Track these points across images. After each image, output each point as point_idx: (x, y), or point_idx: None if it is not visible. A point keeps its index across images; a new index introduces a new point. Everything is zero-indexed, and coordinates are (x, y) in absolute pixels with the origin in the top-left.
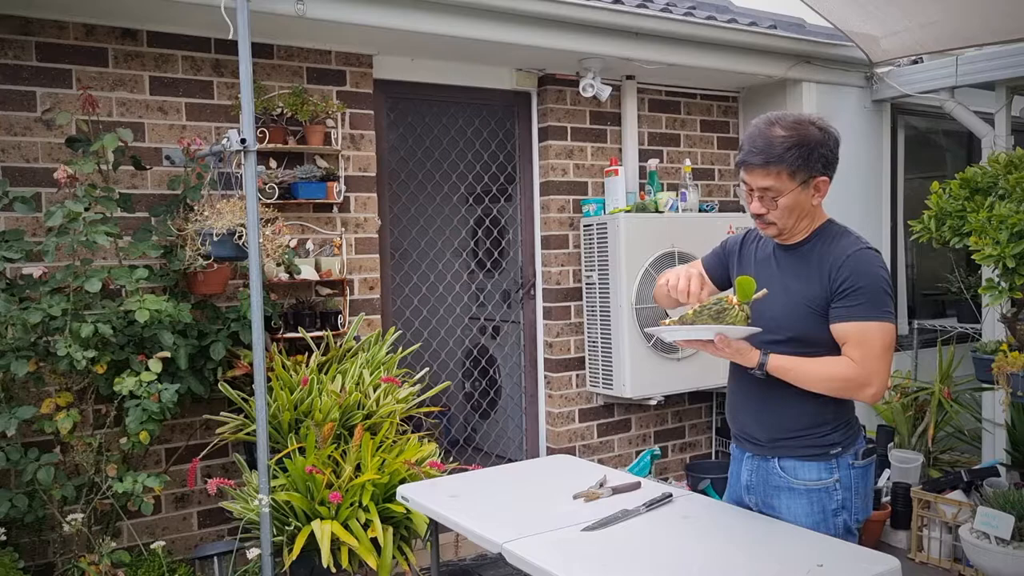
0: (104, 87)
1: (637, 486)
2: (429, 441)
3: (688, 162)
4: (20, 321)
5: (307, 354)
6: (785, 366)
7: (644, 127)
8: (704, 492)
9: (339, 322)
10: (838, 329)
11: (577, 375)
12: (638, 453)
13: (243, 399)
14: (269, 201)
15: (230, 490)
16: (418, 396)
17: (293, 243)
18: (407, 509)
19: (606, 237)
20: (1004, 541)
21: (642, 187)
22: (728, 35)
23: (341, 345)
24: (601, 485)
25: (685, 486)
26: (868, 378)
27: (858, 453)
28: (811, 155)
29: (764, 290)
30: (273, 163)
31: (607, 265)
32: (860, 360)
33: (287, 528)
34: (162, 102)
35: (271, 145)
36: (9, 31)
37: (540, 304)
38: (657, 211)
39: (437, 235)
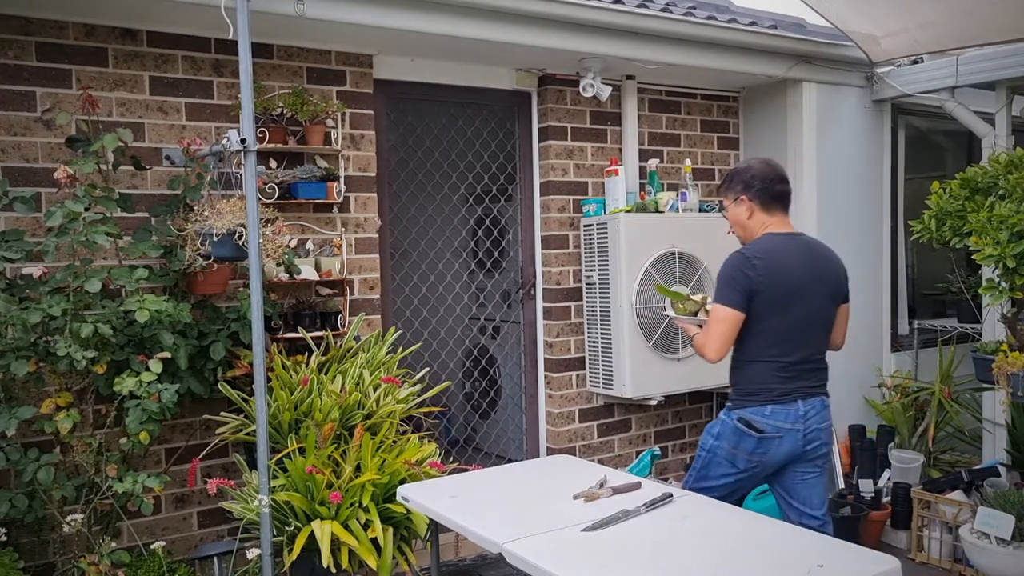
0: (104, 87)
1: (637, 486)
2: (429, 441)
3: (688, 162)
4: (20, 321)
5: (307, 354)
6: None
7: (644, 127)
8: None
9: (339, 322)
10: None
11: (577, 375)
12: (638, 453)
13: (243, 399)
14: (269, 201)
15: (230, 490)
16: (418, 396)
17: (293, 243)
18: (407, 509)
19: (606, 237)
20: (1004, 541)
21: (642, 187)
22: (728, 35)
23: (341, 345)
24: (601, 485)
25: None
26: (704, 343)
27: (740, 417)
28: (733, 179)
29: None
30: (273, 163)
31: (607, 265)
32: (705, 330)
33: (287, 528)
34: (162, 102)
35: (271, 145)
36: (9, 31)
37: (540, 304)
38: (657, 211)
39: (437, 235)
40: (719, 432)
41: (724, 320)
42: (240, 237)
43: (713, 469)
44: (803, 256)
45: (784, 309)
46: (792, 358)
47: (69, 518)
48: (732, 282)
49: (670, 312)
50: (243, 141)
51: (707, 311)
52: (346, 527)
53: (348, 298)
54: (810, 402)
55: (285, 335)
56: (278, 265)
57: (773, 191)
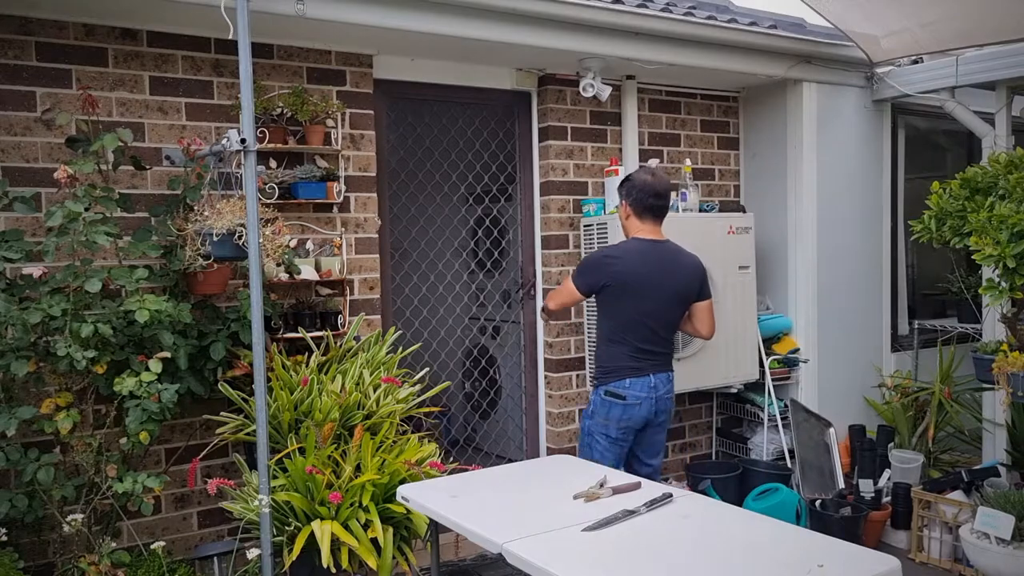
0: (104, 87)
1: (637, 486)
2: (429, 441)
3: (688, 162)
4: (20, 321)
5: (307, 354)
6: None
7: (644, 127)
8: (704, 492)
9: (339, 322)
10: None
11: (577, 375)
12: None
13: (243, 399)
14: (269, 201)
15: (230, 490)
16: (418, 396)
17: (293, 243)
18: (407, 509)
19: (606, 237)
20: (1004, 541)
21: None
22: (728, 35)
23: (341, 345)
24: (601, 485)
25: (685, 486)
26: (551, 297)
27: (607, 390)
28: (623, 184)
29: None
30: (273, 163)
31: None
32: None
33: (287, 528)
34: (162, 102)
35: (271, 145)
36: (9, 31)
37: (540, 304)
38: None
39: (437, 235)
40: (592, 411)
41: (569, 294)
42: (240, 237)
43: (596, 447)
44: (658, 261)
45: (634, 302)
46: (642, 343)
47: (69, 518)
48: (586, 271)
49: None
50: (243, 141)
51: None
52: (346, 527)
53: (348, 298)
54: (658, 376)
55: (285, 335)
56: (278, 265)
57: (646, 203)
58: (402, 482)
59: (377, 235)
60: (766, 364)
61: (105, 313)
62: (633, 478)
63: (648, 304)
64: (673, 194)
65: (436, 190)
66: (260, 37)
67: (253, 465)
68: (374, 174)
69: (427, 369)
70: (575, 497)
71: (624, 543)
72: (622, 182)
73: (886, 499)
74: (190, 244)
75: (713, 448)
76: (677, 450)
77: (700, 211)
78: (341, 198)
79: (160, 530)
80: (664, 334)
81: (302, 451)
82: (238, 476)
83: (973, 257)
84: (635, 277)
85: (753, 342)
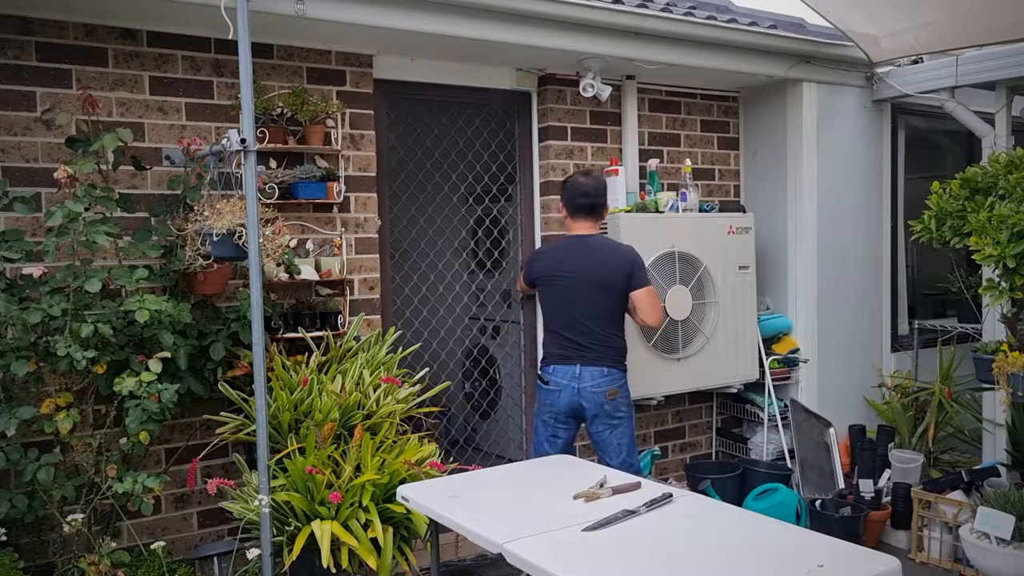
0: (104, 87)
1: (637, 486)
2: (429, 441)
3: (688, 162)
4: (20, 321)
5: (307, 354)
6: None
7: (644, 127)
8: (704, 492)
9: (339, 322)
10: None
11: None
12: (638, 453)
13: (243, 399)
14: (269, 201)
15: (230, 490)
16: (418, 396)
17: (293, 243)
18: (407, 509)
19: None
20: (1004, 541)
21: (642, 187)
22: (728, 35)
23: (341, 345)
24: (601, 485)
25: (685, 486)
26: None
27: (537, 374)
28: (562, 186)
29: None
30: (273, 163)
31: None
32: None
33: (287, 528)
34: (162, 102)
35: (271, 145)
36: (9, 31)
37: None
38: (657, 211)
39: (437, 235)
40: (536, 396)
41: (520, 283)
42: (240, 237)
43: (536, 432)
44: (576, 254)
45: (557, 294)
46: (567, 332)
47: (69, 518)
48: (525, 267)
49: None
50: (243, 141)
51: None
52: (346, 527)
53: (348, 298)
54: (588, 368)
55: (285, 335)
56: (278, 265)
57: (576, 203)
58: (402, 482)
59: (377, 235)
60: (766, 364)
61: (105, 313)
62: (633, 478)
63: (567, 294)
64: (673, 194)
65: (436, 190)
66: (260, 37)
67: (253, 465)
68: (374, 174)
69: (427, 369)
70: (575, 497)
71: (624, 543)
72: (562, 184)
73: (886, 499)
74: (190, 244)
75: (713, 448)
76: (677, 450)
77: (700, 211)
78: (341, 198)
79: (160, 530)
80: (591, 324)
81: (302, 451)
82: (238, 476)
83: (973, 257)
84: (554, 271)
85: (753, 342)
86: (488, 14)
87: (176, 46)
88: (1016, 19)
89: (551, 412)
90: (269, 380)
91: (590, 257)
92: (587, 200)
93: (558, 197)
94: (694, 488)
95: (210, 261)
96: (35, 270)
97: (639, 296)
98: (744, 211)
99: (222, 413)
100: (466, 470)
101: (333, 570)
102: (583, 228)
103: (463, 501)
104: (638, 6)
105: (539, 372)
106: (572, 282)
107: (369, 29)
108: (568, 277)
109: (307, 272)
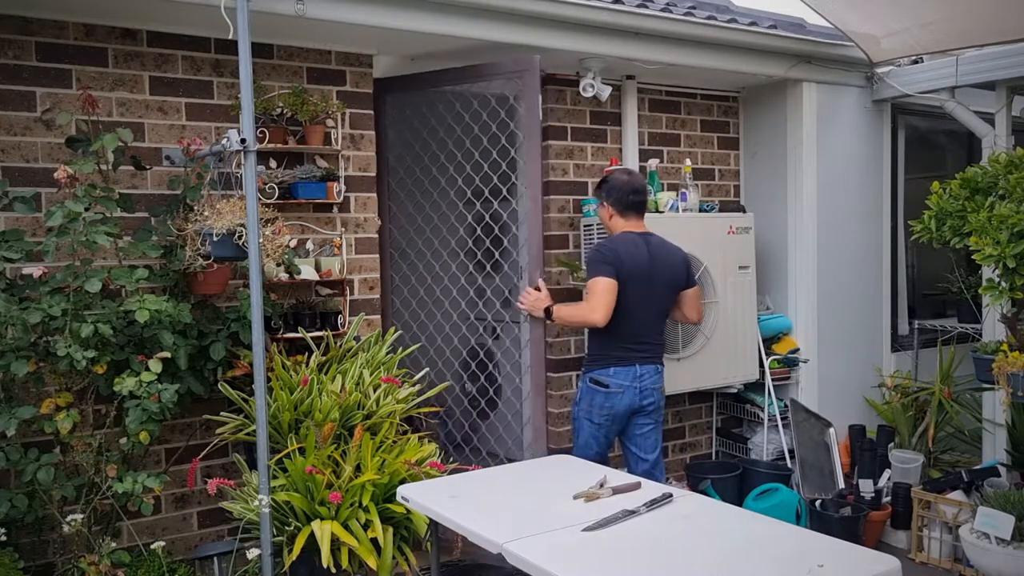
0: (104, 87)
1: (637, 486)
2: (429, 441)
3: (688, 162)
4: (20, 321)
5: (307, 354)
6: (561, 312)
7: (644, 127)
8: (704, 492)
9: (339, 322)
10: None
11: (577, 375)
12: None
13: (243, 399)
14: (269, 201)
15: (230, 490)
16: (418, 396)
17: (293, 243)
18: (407, 509)
19: (606, 237)
20: (1004, 541)
21: None
22: (728, 35)
23: (341, 345)
24: (601, 485)
25: (685, 486)
26: (593, 308)
27: (591, 378)
28: (601, 186)
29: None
30: (273, 163)
31: None
32: (587, 299)
33: (287, 528)
34: (162, 102)
35: (271, 145)
36: (9, 31)
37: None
38: (657, 211)
39: (436, 235)
40: (579, 397)
41: (605, 289)
42: (240, 237)
43: (581, 433)
44: (650, 252)
45: (631, 291)
46: (633, 332)
47: (69, 518)
48: (602, 262)
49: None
50: (243, 141)
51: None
52: (346, 527)
53: (348, 298)
54: (645, 367)
55: (285, 335)
56: (278, 265)
57: (627, 201)
58: (402, 482)
59: (377, 235)
60: (766, 364)
61: (105, 313)
62: (633, 478)
63: (642, 293)
64: (673, 194)
65: (435, 187)
66: (260, 37)
67: (253, 465)
68: (374, 174)
69: (427, 369)
70: (575, 497)
71: (624, 543)
72: (600, 184)
73: (886, 499)
74: (190, 244)
75: (713, 448)
76: (677, 450)
77: (700, 211)
78: (341, 198)
79: (160, 530)
80: (656, 323)
81: (302, 451)
82: (238, 476)
83: (973, 257)
84: (633, 268)
85: (753, 342)
86: (488, 14)
87: (176, 46)
88: (1016, 19)
89: (609, 415)
90: (269, 380)
91: (659, 256)
92: (638, 197)
93: (558, 197)
94: (694, 488)
95: (210, 261)
96: (35, 270)
97: (692, 294)
98: (744, 211)
99: (222, 413)
100: (466, 470)
101: (333, 570)
102: (636, 226)
103: (463, 501)
104: (638, 6)
105: (594, 376)
106: (649, 280)
107: (369, 29)
108: (646, 275)
109: (307, 272)
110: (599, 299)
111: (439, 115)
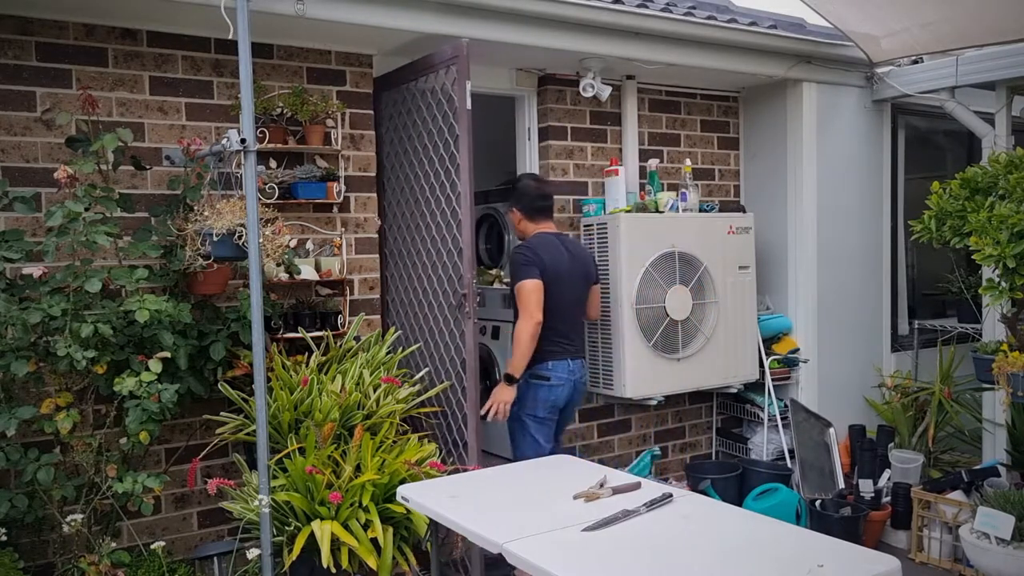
0: (104, 87)
1: (637, 486)
2: (429, 441)
3: (688, 162)
4: (20, 321)
5: (307, 354)
6: (514, 363)
7: (644, 127)
8: (704, 492)
9: (339, 322)
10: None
11: None
12: (638, 453)
13: (243, 399)
14: (269, 201)
15: (230, 490)
16: (417, 396)
17: (293, 243)
18: (407, 509)
19: (606, 237)
20: (1004, 541)
21: (642, 187)
22: (728, 35)
23: (341, 345)
24: (601, 485)
25: (685, 486)
26: (526, 315)
27: (531, 374)
28: (511, 192)
29: None
30: (273, 163)
31: (607, 265)
32: (521, 305)
33: (287, 528)
34: (162, 102)
35: (271, 145)
36: (9, 31)
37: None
38: (657, 211)
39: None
40: (518, 398)
41: (534, 289)
42: (240, 237)
43: (527, 431)
44: (567, 250)
45: (558, 291)
46: (561, 327)
47: (69, 518)
48: (528, 265)
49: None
50: (243, 141)
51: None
52: (346, 527)
53: (348, 298)
54: (575, 361)
55: (285, 335)
56: (278, 265)
57: (536, 206)
58: (402, 482)
59: (377, 235)
60: (766, 364)
61: (105, 313)
62: (633, 478)
63: (565, 290)
64: (673, 194)
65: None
66: (260, 37)
67: (253, 465)
68: (374, 174)
69: (427, 369)
70: (575, 497)
71: (624, 543)
72: (511, 191)
73: (886, 499)
74: (190, 244)
75: (713, 448)
76: (677, 450)
77: (700, 211)
78: (341, 198)
79: (160, 530)
80: (578, 318)
81: (302, 451)
82: (238, 476)
83: (973, 257)
84: (554, 266)
85: (753, 342)
86: (488, 14)
87: (176, 46)
88: (1016, 19)
89: (553, 408)
90: (269, 380)
91: (575, 254)
92: (546, 203)
93: (559, 197)
94: (694, 488)
95: (210, 261)
96: (35, 270)
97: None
98: (744, 211)
99: (222, 413)
100: (466, 470)
101: (333, 570)
102: (548, 227)
103: (463, 501)
104: (638, 6)
105: (533, 371)
106: (569, 279)
107: (369, 29)
108: (566, 274)
109: (307, 272)
110: (532, 300)
111: (408, 112)
